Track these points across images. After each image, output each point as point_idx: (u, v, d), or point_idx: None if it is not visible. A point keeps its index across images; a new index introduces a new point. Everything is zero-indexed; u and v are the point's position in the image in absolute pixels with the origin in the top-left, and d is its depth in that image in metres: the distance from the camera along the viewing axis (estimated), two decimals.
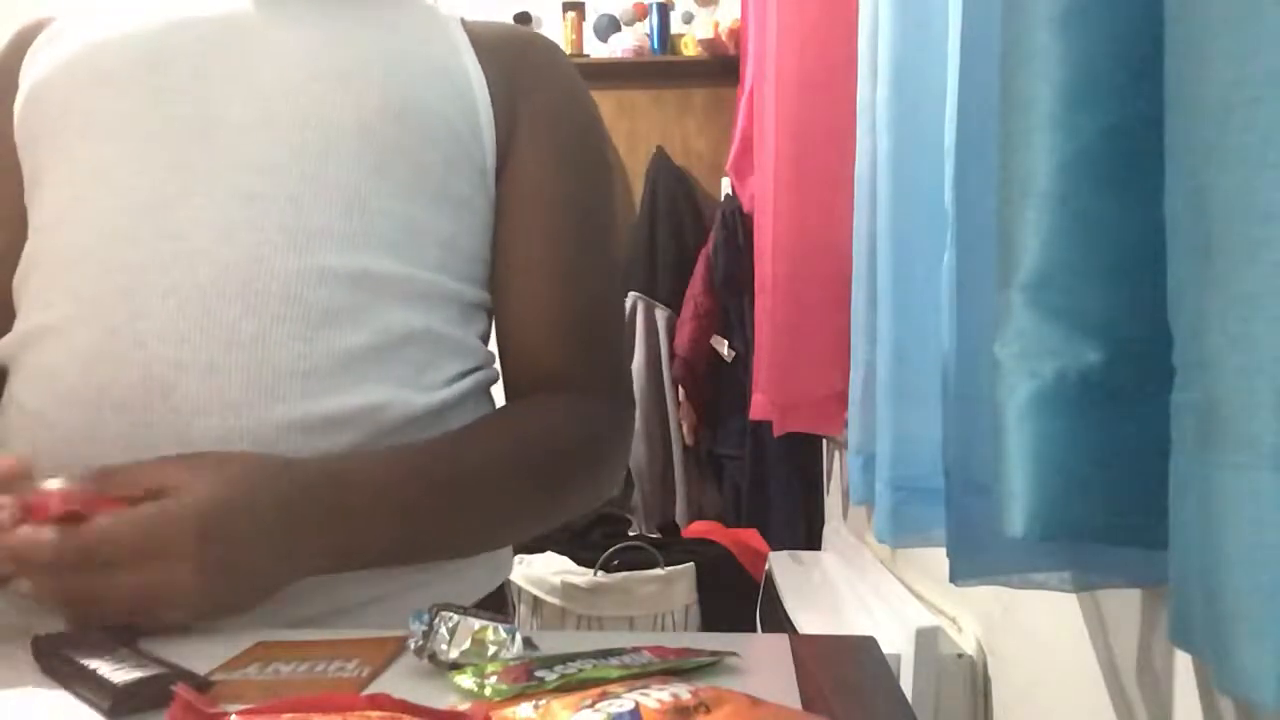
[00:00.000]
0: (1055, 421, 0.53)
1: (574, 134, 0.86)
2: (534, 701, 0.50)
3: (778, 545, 2.27)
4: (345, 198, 0.74)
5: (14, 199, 0.81)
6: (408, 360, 0.75)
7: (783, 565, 1.93)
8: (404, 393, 0.74)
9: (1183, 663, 0.71)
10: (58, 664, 0.60)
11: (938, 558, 0.79)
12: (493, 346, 0.88)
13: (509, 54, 0.85)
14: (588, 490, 0.83)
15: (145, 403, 0.68)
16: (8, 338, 0.76)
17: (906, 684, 1.16)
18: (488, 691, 0.53)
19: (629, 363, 0.87)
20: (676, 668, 0.58)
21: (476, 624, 0.60)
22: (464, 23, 0.87)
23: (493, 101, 0.82)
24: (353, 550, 0.70)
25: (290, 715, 0.47)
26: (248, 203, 0.72)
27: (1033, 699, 1.05)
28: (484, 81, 0.82)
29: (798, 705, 0.55)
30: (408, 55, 0.79)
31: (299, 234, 0.72)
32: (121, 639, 0.62)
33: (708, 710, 0.47)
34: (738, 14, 3.16)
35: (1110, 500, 0.54)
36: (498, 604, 0.85)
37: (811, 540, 2.43)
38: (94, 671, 0.57)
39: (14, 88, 0.81)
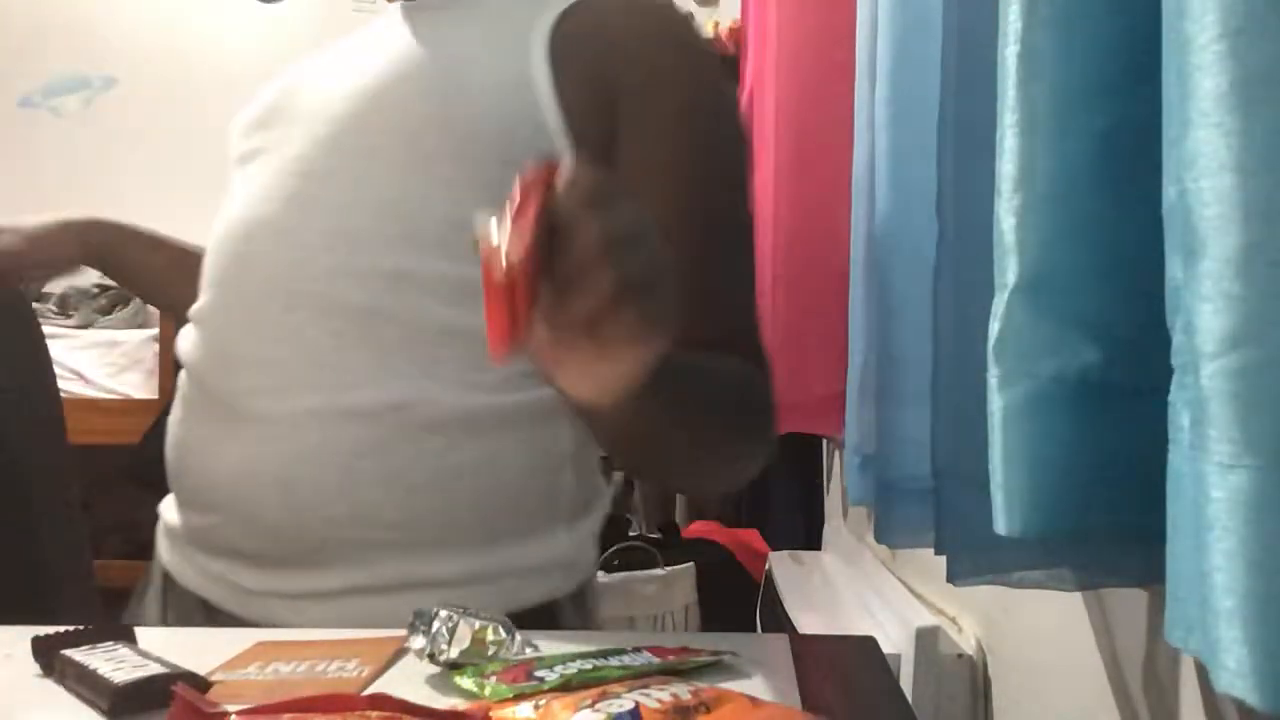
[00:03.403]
0: (1052, 421, 0.53)
1: (677, 113, 0.82)
2: (534, 701, 0.50)
3: (778, 545, 2.26)
4: (389, 199, 0.79)
5: None
6: (447, 358, 0.77)
7: (783, 565, 1.93)
8: (442, 388, 0.77)
9: (1184, 663, 0.71)
10: (58, 664, 0.60)
11: (938, 558, 0.79)
12: None
13: (599, 44, 0.83)
14: (752, 446, 0.80)
15: (219, 384, 0.81)
16: None
17: (906, 684, 1.16)
18: (488, 691, 0.54)
19: (759, 327, 0.85)
20: (676, 668, 0.58)
21: (476, 624, 0.60)
22: (560, 17, 0.84)
23: (560, 98, 0.80)
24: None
25: (290, 715, 0.47)
26: (300, 207, 0.80)
27: (1033, 699, 1.05)
28: (550, 81, 0.80)
29: (798, 705, 0.55)
30: (468, 64, 0.82)
31: (340, 236, 0.78)
32: (121, 639, 0.63)
33: (708, 710, 0.48)
34: (738, 14, 3.15)
35: (1107, 499, 0.54)
36: (580, 603, 0.87)
37: (811, 540, 2.42)
38: (94, 671, 0.57)
39: None
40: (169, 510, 0.88)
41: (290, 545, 0.78)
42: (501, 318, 0.47)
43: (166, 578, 0.87)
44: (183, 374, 0.87)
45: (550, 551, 0.83)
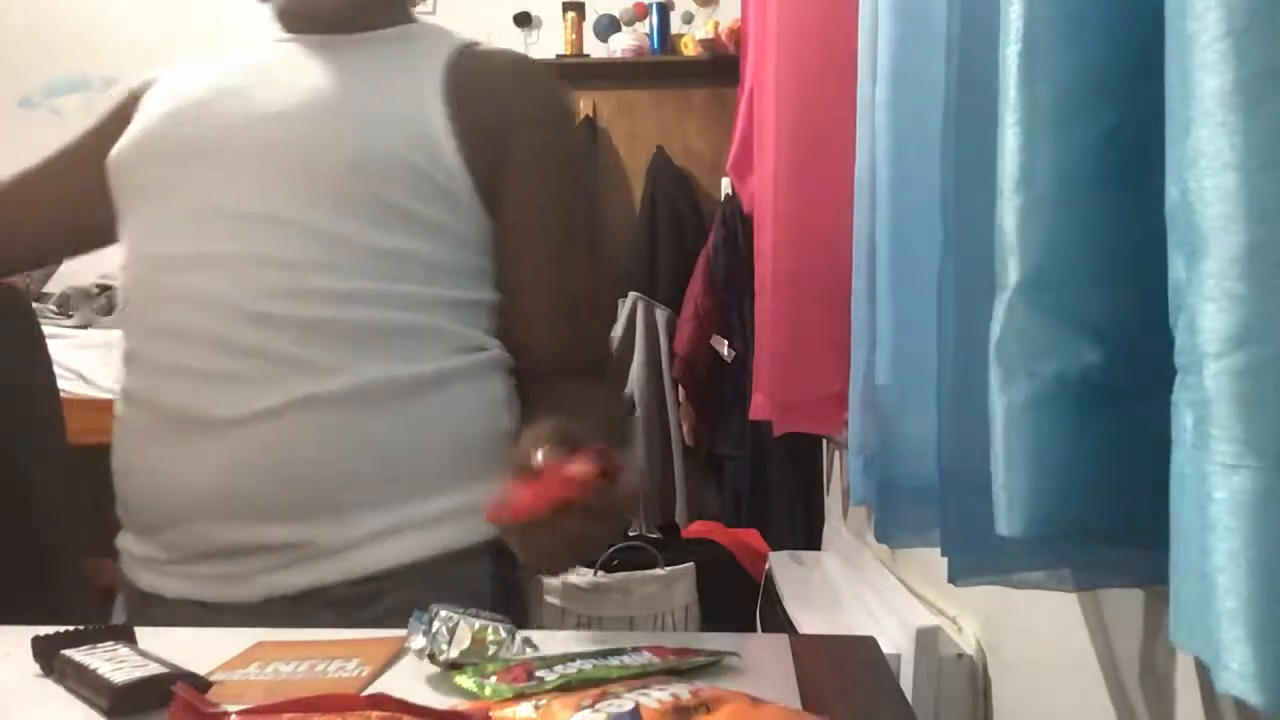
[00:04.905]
0: (1054, 421, 0.53)
1: (558, 154, 1.01)
2: (534, 701, 0.50)
3: (778, 545, 2.27)
4: (327, 234, 0.89)
5: (76, 197, 1.04)
6: (397, 348, 0.91)
7: (783, 565, 1.93)
8: (396, 369, 0.90)
9: (1183, 662, 0.71)
10: (58, 664, 0.60)
11: (938, 558, 0.79)
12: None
13: (488, 89, 0.98)
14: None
15: (187, 404, 0.87)
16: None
17: (906, 684, 1.16)
18: (488, 691, 0.54)
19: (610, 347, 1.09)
20: (676, 668, 0.58)
21: (476, 624, 0.60)
22: (452, 58, 0.98)
23: (457, 138, 0.94)
24: None
25: (290, 715, 0.47)
26: (249, 244, 0.89)
27: (1033, 699, 1.05)
28: (447, 123, 0.94)
29: (798, 705, 0.55)
30: (375, 110, 0.93)
31: (291, 264, 0.89)
32: (121, 639, 0.62)
33: (708, 710, 0.47)
34: (738, 14, 3.15)
35: (1109, 500, 0.54)
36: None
37: (811, 540, 2.42)
38: (94, 671, 0.57)
39: (118, 129, 1.01)
40: (137, 542, 0.93)
41: (293, 527, 0.86)
42: (524, 501, 0.67)
43: (145, 598, 0.91)
44: (126, 411, 0.93)
45: None
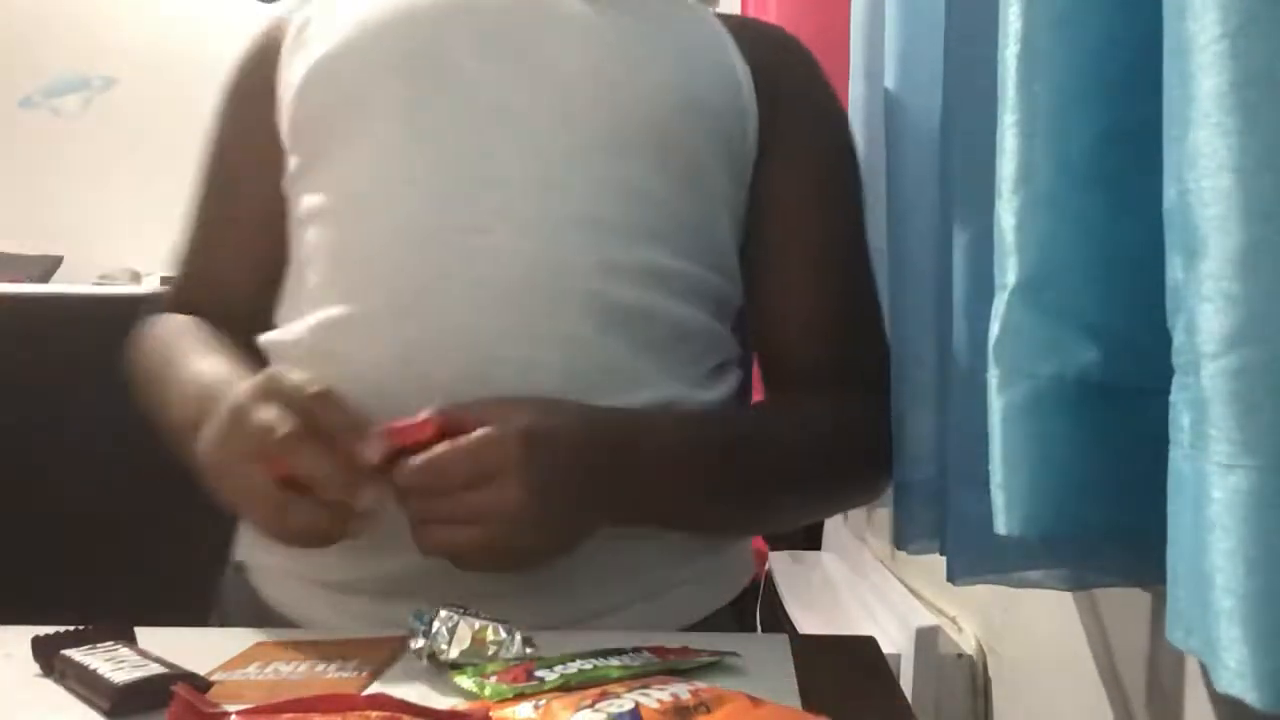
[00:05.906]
0: (1052, 421, 0.53)
1: (829, 137, 0.88)
2: (534, 701, 0.50)
3: (778, 545, 2.26)
4: (631, 191, 0.74)
5: (269, 198, 0.82)
6: (684, 356, 0.76)
7: (783, 565, 1.93)
8: (685, 388, 0.76)
9: (1183, 662, 0.71)
10: (58, 664, 0.60)
11: (938, 557, 0.79)
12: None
13: (770, 54, 0.85)
14: (858, 487, 0.87)
15: (464, 395, 0.68)
16: (289, 328, 0.76)
17: (906, 684, 1.16)
18: (488, 691, 0.54)
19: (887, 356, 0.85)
20: (676, 668, 0.58)
21: (476, 624, 0.60)
22: (720, 17, 0.87)
23: (757, 99, 0.81)
24: (644, 504, 0.72)
25: (290, 715, 0.47)
26: (546, 193, 0.72)
27: (1033, 699, 1.05)
28: (751, 81, 0.81)
29: (798, 705, 0.55)
30: (689, 51, 0.80)
31: (592, 228, 0.72)
32: (121, 639, 0.63)
33: (708, 710, 0.48)
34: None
35: (1107, 499, 0.54)
36: (749, 605, 0.86)
37: (811, 540, 2.42)
38: (94, 671, 0.57)
39: (269, 86, 0.81)
40: (315, 565, 0.74)
41: (536, 577, 0.69)
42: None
43: (266, 615, 0.77)
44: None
45: None
